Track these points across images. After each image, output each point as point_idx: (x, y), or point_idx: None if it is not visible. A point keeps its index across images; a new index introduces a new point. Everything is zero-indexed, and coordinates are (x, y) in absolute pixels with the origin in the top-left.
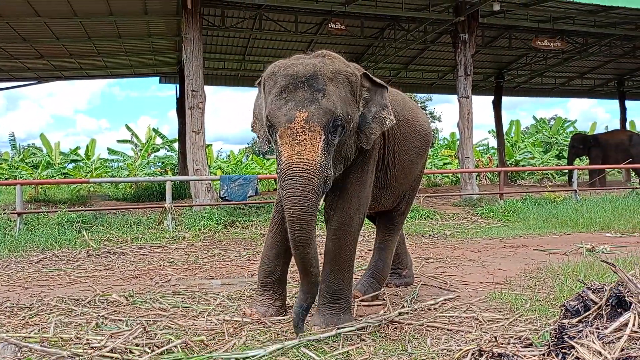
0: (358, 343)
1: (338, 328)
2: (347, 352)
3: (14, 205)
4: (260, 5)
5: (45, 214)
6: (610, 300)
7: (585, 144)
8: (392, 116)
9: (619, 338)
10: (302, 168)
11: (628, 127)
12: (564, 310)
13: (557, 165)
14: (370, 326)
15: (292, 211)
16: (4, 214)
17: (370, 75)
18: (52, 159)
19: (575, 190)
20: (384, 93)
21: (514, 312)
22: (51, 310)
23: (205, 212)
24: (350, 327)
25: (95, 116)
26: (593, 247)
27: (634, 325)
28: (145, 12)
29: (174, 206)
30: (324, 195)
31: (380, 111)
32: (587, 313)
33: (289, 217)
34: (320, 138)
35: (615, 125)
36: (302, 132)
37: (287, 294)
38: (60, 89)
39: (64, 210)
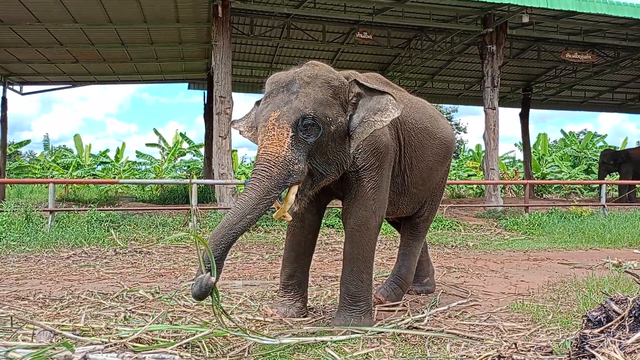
0: (378, 346)
1: (360, 330)
2: (367, 354)
3: (46, 203)
4: (289, 15)
5: (76, 212)
6: (634, 312)
7: (616, 160)
8: (385, 119)
9: None
10: (265, 159)
11: None
12: (586, 321)
13: (585, 179)
14: (390, 330)
15: (245, 190)
16: (36, 210)
17: (362, 82)
18: (83, 160)
19: (604, 206)
20: (381, 99)
21: (535, 322)
22: (81, 303)
23: None
24: (371, 329)
25: (125, 120)
26: (620, 263)
27: None
28: (177, 20)
29: (199, 208)
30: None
31: (370, 115)
32: (609, 324)
33: (241, 195)
34: (288, 134)
35: None
36: (272, 129)
37: (309, 296)
38: (93, 94)
39: (93, 209)
